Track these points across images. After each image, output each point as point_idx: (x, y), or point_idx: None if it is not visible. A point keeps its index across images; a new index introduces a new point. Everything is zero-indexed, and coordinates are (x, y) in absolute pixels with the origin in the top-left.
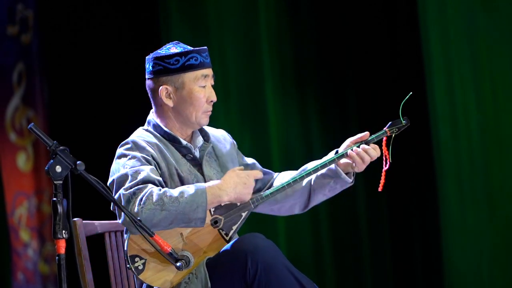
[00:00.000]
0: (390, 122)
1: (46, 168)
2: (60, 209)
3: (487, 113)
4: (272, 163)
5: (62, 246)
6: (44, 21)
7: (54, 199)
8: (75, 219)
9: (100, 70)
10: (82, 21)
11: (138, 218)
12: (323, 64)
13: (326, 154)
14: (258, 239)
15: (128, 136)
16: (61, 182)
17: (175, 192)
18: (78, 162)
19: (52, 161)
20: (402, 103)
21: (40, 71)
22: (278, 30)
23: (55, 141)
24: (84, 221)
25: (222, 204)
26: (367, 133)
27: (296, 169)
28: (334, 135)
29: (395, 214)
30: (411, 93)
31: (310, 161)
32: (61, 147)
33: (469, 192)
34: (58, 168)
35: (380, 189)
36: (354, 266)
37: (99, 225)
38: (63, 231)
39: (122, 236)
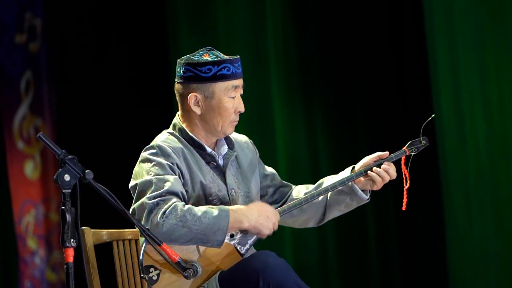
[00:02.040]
0: (409, 142)
1: (54, 177)
2: (68, 217)
3: (494, 123)
4: (279, 173)
5: (70, 255)
6: (52, 30)
7: (63, 207)
8: (83, 227)
9: (108, 78)
10: (89, 30)
11: (152, 229)
12: (330, 74)
13: (332, 165)
14: (269, 258)
15: (135, 144)
16: (69, 190)
17: (199, 211)
18: (86, 171)
19: (60, 169)
20: (424, 124)
21: (48, 80)
22: (285, 41)
23: (63, 150)
24: (92, 230)
25: (242, 229)
26: (386, 152)
27: (303, 180)
28: (340, 146)
29: (402, 224)
30: (433, 115)
31: (316, 171)
32: (69, 156)
33: (476, 202)
34: (67, 177)
35: (404, 208)
36: (360, 275)
37: (107, 233)
38: (72, 240)
39: (130, 244)
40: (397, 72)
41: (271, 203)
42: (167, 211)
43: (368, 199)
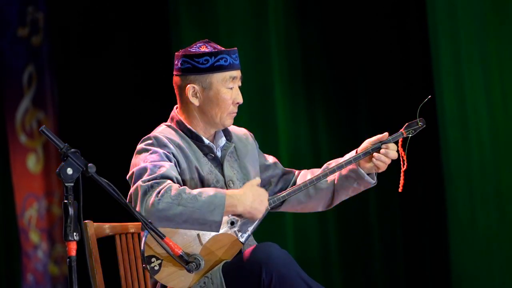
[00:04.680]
0: (406, 124)
1: (57, 170)
2: (71, 211)
3: (497, 116)
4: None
5: (73, 248)
6: (55, 23)
7: (65, 201)
8: (86, 221)
9: (110, 72)
10: (92, 23)
11: (147, 210)
12: (332, 65)
13: (334, 157)
14: (272, 249)
15: (137, 137)
16: (72, 184)
17: (194, 190)
18: (89, 164)
19: (63, 163)
20: (420, 105)
21: (50, 73)
22: (287, 35)
23: (66, 144)
24: (95, 223)
25: (236, 214)
26: (386, 134)
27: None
28: (342, 138)
29: (405, 217)
30: (430, 96)
31: (317, 163)
32: (72, 150)
33: (479, 195)
34: (69, 171)
35: (400, 189)
36: (362, 267)
37: (109, 227)
38: (74, 233)
39: (133, 238)
40: (399, 64)
41: (276, 193)
42: (162, 191)
43: (375, 182)
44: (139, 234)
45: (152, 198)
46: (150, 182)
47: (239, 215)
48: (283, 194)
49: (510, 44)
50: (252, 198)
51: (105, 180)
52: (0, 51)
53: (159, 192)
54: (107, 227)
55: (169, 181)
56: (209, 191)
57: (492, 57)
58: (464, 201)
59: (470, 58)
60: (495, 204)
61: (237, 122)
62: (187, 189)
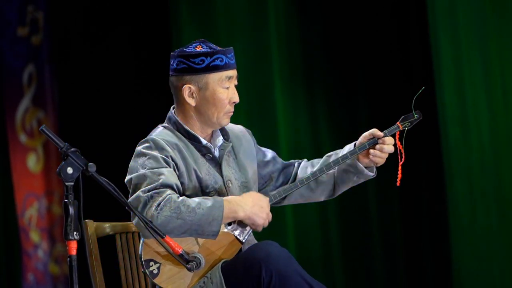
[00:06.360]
0: (402, 117)
1: (57, 169)
2: (71, 210)
3: (498, 114)
4: None
5: (73, 248)
6: (55, 22)
7: (66, 200)
8: (86, 220)
9: (111, 71)
10: (92, 22)
11: (150, 220)
12: (332, 65)
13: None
14: (271, 247)
15: (138, 137)
16: (72, 183)
17: (193, 202)
18: (89, 163)
19: (63, 162)
20: (415, 97)
21: (50, 72)
22: (287, 32)
23: (66, 143)
24: (95, 222)
25: (237, 220)
26: (379, 133)
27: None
28: (343, 136)
29: (406, 215)
30: (423, 87)
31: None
32: (72, 149)
33: (479, 193)
34: (70, 170)
35: (398, 183)
36: (364, 267)
37: (110, 226)
38: (75, 233)
39: (133, 237)
40: (400, 63)
41: (277, 187)
42: (161, 203)
43: (374, 174)
44: (139, 233)
45: (151, 210)
46: (150, 193)
47: (240, 222)
48: (280, 190)
49: (510, 43)
50: (252, 203)
51: (105, 179)
52: (0, 50)
53: (158, 205)
54: (107, 226)
55: (169, 191)
56: (207, 202)
57: (493, 56)
58: (465, 199)
59: (471, 57)
60: (495, 201)
61: (237, 120)
62: (186, 201)
